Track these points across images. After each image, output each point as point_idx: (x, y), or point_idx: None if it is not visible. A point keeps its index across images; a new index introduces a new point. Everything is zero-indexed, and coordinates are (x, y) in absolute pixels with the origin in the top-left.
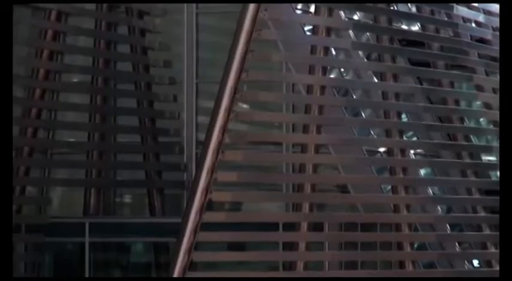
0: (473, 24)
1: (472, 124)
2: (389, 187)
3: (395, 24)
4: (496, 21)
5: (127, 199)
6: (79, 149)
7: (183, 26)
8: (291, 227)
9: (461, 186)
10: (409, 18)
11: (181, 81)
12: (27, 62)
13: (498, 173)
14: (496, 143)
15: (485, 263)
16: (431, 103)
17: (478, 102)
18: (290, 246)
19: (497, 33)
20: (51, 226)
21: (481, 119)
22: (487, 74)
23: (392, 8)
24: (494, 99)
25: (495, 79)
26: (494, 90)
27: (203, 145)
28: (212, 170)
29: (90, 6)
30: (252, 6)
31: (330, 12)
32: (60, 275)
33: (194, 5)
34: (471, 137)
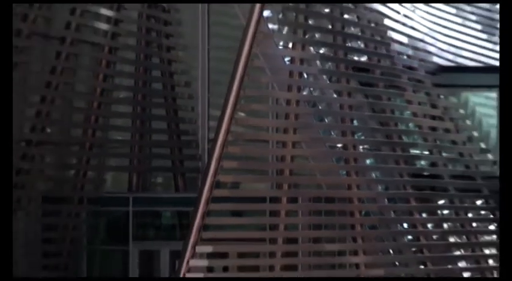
0: (405, 56)
1: (403, 127)
2: (345, 172)
3: (349, 56)
4: (422, 55)
5: (159, 179)
6: (125, 144)
7: (198, 57)
8: (274, 200)
9: (395, 171)
10: (359, 51)
11: (197, 96)
12: (88, 82)
13: (422, 162)
14: (420, 141)
15: (412, 226)
16: (375, 112)
17: (408, 112)
18: (274, 213)
19: (422, 63)
20: (105, 199)
21: (410, 124)
22: (414, 92)
23: (347, 44)
24: (420, 110)
25: (421, 95)
26: (419, 103)
27: (213, 142)
28: (219, 159)
29: (133, 42)
30: (247, 44)
31: (303, 47)
32: (112, 235)
33: (206, 41)
34: (402, 136)
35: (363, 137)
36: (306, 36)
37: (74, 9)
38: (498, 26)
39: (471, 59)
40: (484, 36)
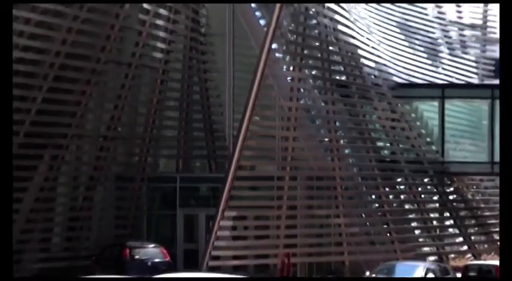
0: (372, 76)
1: (371, 127)
2: (330, 158)
3: (333, 76)
4: (385, 75)
5: (198, 164)
6: (173, 139)
7: (226, 77)
8: (280, 178)
9: (366, 158)
10: (340, 73)
11: (225, 105)
12: (147, 95)
13: (385, 151)
14: (384, 136)
15: (378, 197)
16: (351, 116)
17: (375, 116)
18: (280, 188)
19: (385, 81)
20: (160, 178)
21: (376, 125)
22: (379, 101)
23: (331, 68)
24: (383, 114)
25: (384, 104)
26: (383, 110)
27: (236, 137)
28: (241, 149)
29: (179, 66)
30: (261, 67)
31: (300, 70)
32: (164, 204)
33: (232, 65)
34: (371, 133)
35: (343, 134)
36: (302, 62)
37: (137, 43)
38: (440, 50)
39: (419, 78)
40: (428, 61)
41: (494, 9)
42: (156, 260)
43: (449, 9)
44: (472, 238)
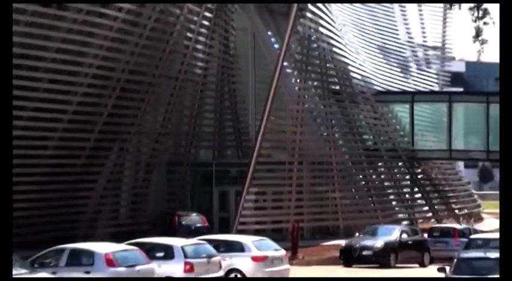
0: (359, 86)
1: (359, 123)
2: (328, 148)
3: (329, 86)
4: (369, 85)
5: (229, 152)
6: (210, 135)
7: (249, 87)
8: (290, 163)
9: (355, 147)
10: (335, 83)
11: (249, 109)
12: (190, 101)
13: (369, 142)
14: (368, 130)
15: (364, 176)
16: (343, 115)
17: (361, 115)
18: (290, 170)
19: (369, 89)
20: (199, 163)
21: (362, 122)
22: (364, 104)
23: (328, 80)
24: (368, 114)
25: (368, 107)
26: (368, 111)
27: (257, 132)
28: (261, 142)
29: (213, 79)
30: (276, 79)
31: (305, 81)
32: (204, 183)
33: (254, 78)
34: (359, 129)
35: (337, 130)
36: (306, 75)
37: (182, 62)
38: (409, 66)
39: (394, 87)
40: (401, 74)
41: (451, 32)
42: (198, 225)
43: (416, 34)
44: (436, 207)
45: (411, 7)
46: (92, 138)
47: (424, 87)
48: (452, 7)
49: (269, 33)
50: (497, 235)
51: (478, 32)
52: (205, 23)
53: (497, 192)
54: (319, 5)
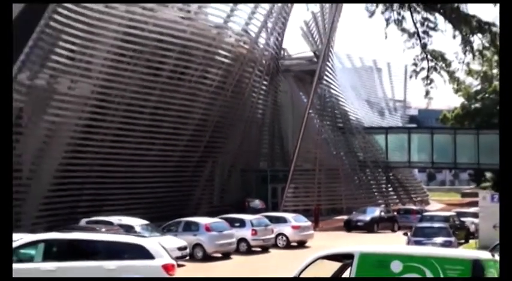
0: (354, 122)
1: (355, 146)
2: (336, 161)
3: (335, 121)
4: (360, 121)
5: (277, 163)
6: (266, 155)
7: (288, 125)
8: (313, 169)
9: (352, 160)
10: (339, 120)
11: (289, 139)
12: (256, 136)
13: (361, 157)
14: (360, 149)
15: (358, 177)
16: (345, 142)
17: (356, 141)
18: (313, 174)
19: (360, 123)
20: (259, 170)
21: (357, 145)
22: (357, 134)
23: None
24: (359, 140)
25: (360, 136)
26: (359, 139)
27: (293, 153)
28: (296, 158)
29: (268, 120)
30: (305, 118)
31: (321, 121)
32: (273, 181)
33: (292, 120)
34: (354, 149)
35: (341, 151)
36: (322, 117)
37: (250, 111)
38: (384, 112)
39: (375, 123)
40: (379, 116)
41: (409, 90)
42: (259, 207)
43: (388, 91)
44: (401, 196)
45: (385, 71)
46: (197, 156)
47: (393, 124)
48: (412, 76)
49: (300, 93)
50: (439, 213)
51: (427, 92)
52: (263, 87)
53: (439, 187)
54: (330, 76)
